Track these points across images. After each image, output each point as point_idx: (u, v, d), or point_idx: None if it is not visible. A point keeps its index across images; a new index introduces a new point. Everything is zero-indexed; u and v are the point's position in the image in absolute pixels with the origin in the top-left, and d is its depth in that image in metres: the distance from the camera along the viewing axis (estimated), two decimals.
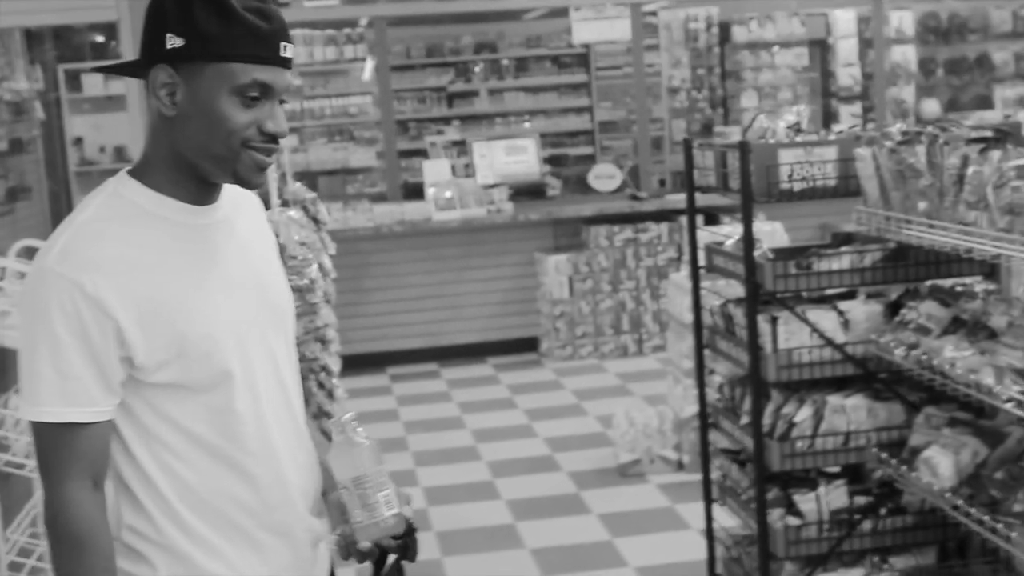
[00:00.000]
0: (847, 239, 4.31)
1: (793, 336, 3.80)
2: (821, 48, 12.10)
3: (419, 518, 2.30)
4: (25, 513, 4.59)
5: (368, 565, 2.20)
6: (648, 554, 5.58)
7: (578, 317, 9.41)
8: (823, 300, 4.03)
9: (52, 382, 1.99)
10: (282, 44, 2.04)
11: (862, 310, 3.84)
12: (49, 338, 1.98)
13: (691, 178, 4.21)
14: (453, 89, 12.26)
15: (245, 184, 2.10)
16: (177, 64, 2.02)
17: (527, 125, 12.13)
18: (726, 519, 4.64)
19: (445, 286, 9.55)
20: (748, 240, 3.75)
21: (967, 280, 3.94)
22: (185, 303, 2.06)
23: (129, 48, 8.59)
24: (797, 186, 3.76)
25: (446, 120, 12.17)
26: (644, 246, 9.42)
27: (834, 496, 3.89)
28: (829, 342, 3.79)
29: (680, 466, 6.66)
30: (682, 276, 6.93)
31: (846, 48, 12.15)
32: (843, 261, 3.84)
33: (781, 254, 4.09)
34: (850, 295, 4.15)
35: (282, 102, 2.09)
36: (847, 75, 12.18)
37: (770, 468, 3.86)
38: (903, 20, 12.10)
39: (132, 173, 2.12)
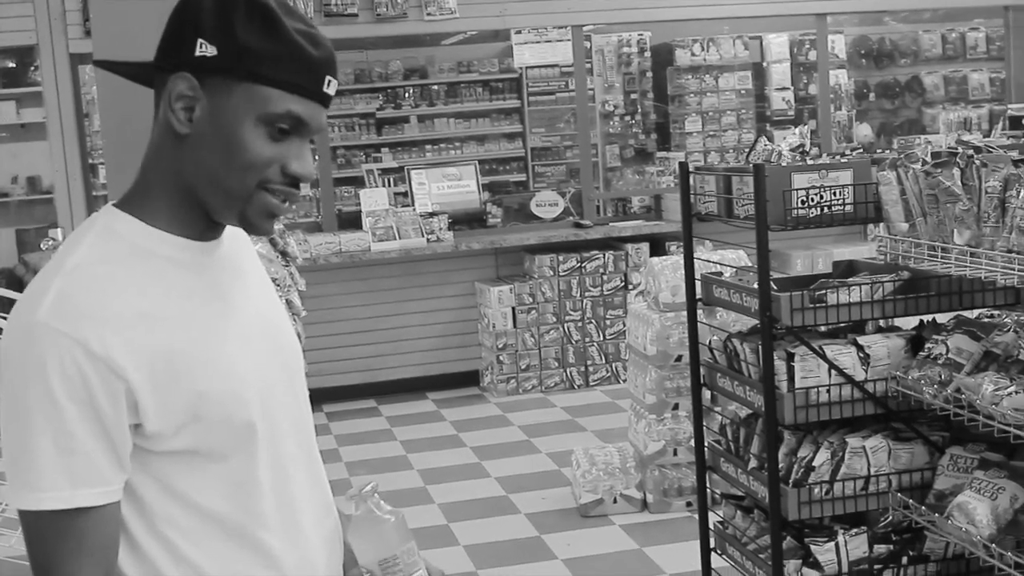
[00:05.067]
0: (849, 268, 4.05)
1: (810, 374, 3.50)
2: (756, 72, 11.95)
3: None
4: None
5: None
6: None
7: (522, 349, 9.09)
8: (835, 334, 3.76)
9: (54, 461, 1.63)
10: (327, 78, 1.74)
11: (883, 345, 3.56)
12: (48, 408, 1.62)
13: (688, 205, 3.92)
14: (382, 115, 11.90)
15: (252, 229, 1.80)
16: (203, 76, 1.70)
17: (459, 152, 11.81)
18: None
19: (383, 319, 9.18)
20: (764, 270, 3.45)
21: (993, 311, 3.69)
22: (202, 356, 1.73)
23: (50, 73, 8.13)
24: (812, 212, 3.47)
25: (376, 147, 11.81)
26: (589, 275, 9.14)
27: (854, 545, 3.60)
28: (850, 380, 3.50)
29: (645, 505, 6.37)
30: (643, 306, 6.64)
31: (779, 72, 12.02)
32: (859, 292, 3.56)
33: (783, 285, 3.81)
34: (858, 327, 3.89)
35: (311, 142, 1.81)
36: (780, 99, 12.04)
37: (786, 516, 3.56)
38: (836, 44, 12.00)
39: (121, 206, 1.79)
